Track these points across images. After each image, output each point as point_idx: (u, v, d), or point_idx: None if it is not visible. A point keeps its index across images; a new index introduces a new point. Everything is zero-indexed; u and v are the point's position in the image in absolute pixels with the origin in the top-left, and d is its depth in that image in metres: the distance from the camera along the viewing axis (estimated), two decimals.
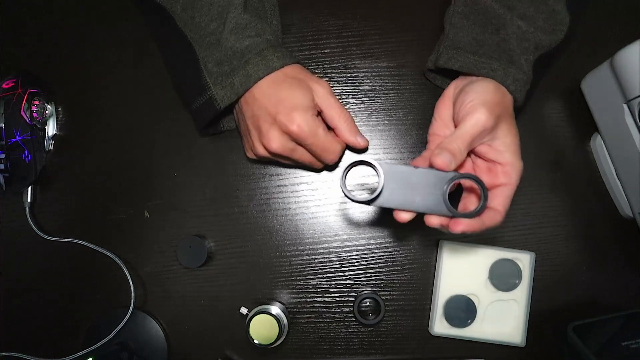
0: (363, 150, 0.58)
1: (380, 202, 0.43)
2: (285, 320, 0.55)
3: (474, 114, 0.43)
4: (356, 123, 0.58)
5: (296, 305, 0.58)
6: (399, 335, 0.58)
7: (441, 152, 0.41)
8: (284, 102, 0.47)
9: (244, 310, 0.56)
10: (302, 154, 0.50)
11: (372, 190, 0.42)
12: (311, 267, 0.58)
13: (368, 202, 0.43)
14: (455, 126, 0.47)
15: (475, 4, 0.49)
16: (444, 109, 0.50)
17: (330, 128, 0.52)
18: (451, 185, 0.42)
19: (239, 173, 0.58)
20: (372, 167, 0.42)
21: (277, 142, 0.47)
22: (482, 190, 0.42)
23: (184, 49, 0.50)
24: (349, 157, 0.58)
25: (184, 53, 0.50)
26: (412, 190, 0.42)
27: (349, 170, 0.42)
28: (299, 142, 0.48)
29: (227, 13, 0.48)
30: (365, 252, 0.58)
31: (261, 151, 0.49)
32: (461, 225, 0.42)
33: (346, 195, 0.42)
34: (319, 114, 0.51)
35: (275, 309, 0.55)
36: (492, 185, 0.46)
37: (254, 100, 0.48)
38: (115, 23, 0.59)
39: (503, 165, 0.45)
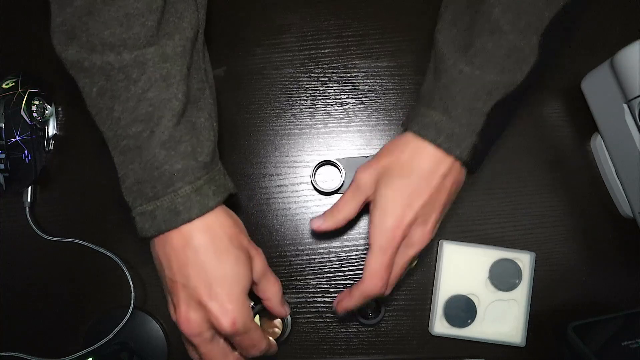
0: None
1: (345, 188, 0.51)
2: (289, 318, 0.55)
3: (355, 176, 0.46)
4: (356, 123, 0.58)
5: (296, 305, 0.58)
6: (399, 335, 0.58)
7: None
8: (221, 287, 0.38)
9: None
10: (211, 349, 0.40)
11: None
12: (311, 267, 0.58)
13: (337, 191, 0.54)
14: None
15: (435, 52, 0.45)
16: None
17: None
18: None
19: (238, 173, 0.58)
20: (334, 165, 0.53)
21: (194, 328, 0.39)
22: None
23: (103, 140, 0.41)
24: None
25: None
26: None
27: (317, 168, 0.55)
28: (224, 335, 0.41)
29: (160, 118, 0.38)
30: (365, 252, 0.58)
31: (174, 320, 0.41)
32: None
33: (316, 189, 0.54)
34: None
35: None
36: None
37: (178, 259, 0.39)
38: None
39: (370, 223, 0.45)
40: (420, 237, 0.44)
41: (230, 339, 0.41)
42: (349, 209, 0.46)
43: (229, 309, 0.38)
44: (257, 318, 0.54)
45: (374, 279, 0.43)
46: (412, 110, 0.47)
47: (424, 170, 0.42)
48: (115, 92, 0.38)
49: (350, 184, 0.46)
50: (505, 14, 0.41)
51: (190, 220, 0.38)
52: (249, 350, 0.42)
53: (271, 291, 0.45)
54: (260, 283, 0.44)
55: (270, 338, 0.49)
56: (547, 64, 0.43)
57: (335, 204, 0.47)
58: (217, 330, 0.40)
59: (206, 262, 0.38)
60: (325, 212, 0.47)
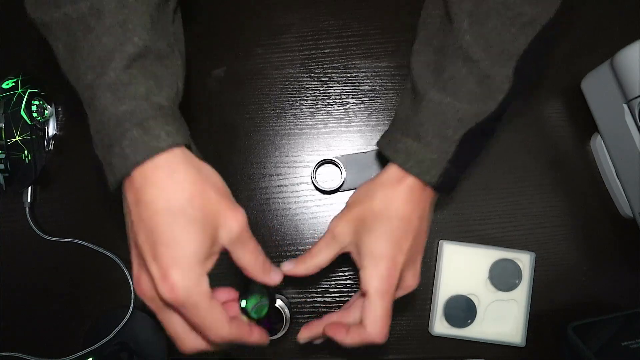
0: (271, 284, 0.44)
1: (346, 186, 0.55)
2: (288, 313, 0.55)
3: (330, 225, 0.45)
4: (356, 123, 0.58)
5: (296, 306, 0.58)
6: (399, 335, 0.58)
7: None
8: (165, 250, 0.34)
9: None
10: (169, 320, 0.37)
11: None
12: None
13: (338, 189, 0.54)
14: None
15: (410, 74, 0.45)
16: None
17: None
18: None
19: (239, 173, 0.58)
20: (334, 163, 0.55)
21: (146, 292, 0.36)
22: None
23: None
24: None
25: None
26: (368, 169, 0.55)
27: (318, 167, 0.56)
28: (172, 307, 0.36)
29: (110, 61, 0.35)
30: None
31: None
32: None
33: (317, 188, 0.55)
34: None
35: (278, 301, 0.55)
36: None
37: (131, 214, 0.36)
38: None
39: (361, 269, 0.42)
40: (412, 280, 0.43)
41: (179, 313, 0.36)
42: (323, 258, 0.45)
43: (169, 274, 0.33)
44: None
45: (380, 326, 0.40)
46: (387, 132, 0.46)
47: (401, 214, 0.42)
48: (76, 44, 0.36)
49: (325, 234, 0.45)
50: (477, 42, 0.40)
51: (137, 163, 0.34)
52: (203, 331, 0.36)
53: (245, 260, 0.39)
54: (233, 251, 0.38)
55: (259, 330, 0.42)
56: (522, 91, 0.42)
57: (308, 250, 0.45)
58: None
59: (155, 221, 0.34)
60: (298, 257, 0.45)
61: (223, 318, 0.36)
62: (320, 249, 0.45)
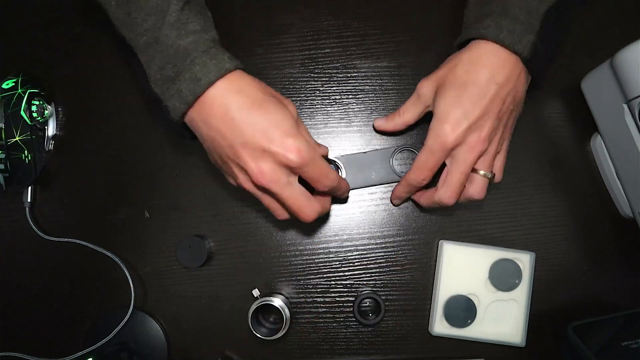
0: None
1: None
2: (287, 313, 0.55)
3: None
4: (356, 123, 0.58)
5: (296, 305, 0.58)
6: (399, 335, 0.58)
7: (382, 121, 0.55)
8: (274, 129, 0.41)
9: (255, 293, 0.57)
10: (292, 193, 0.44)
11: None
12: (311, 267, 0.58)
13: None
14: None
15: None
16: None
17: None
18: (396, 155, 0.57)
19: None
20: (334, 163, 0.56)
21: (270, 176, 0.42)
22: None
23: (128, 54, 0.44)
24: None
25: (131, 58, 0.45)
26: (368, 169, 0.56)
27: None
28: (297, 171, 0.43)
29: (168, 5, 0.42)
30: (365, 252, 0.58)
31: (248, 186, 0.44)
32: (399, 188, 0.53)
33: None
34: None
35: (278, 301, 0.55)
36: None
37: (227, 124, 0.41)
38: None
39: (429, 127, 0.47)
40: (475, 142, 0.45)
41: (302, 174, 0.43)
42: (409, 116, 0.52)
43: (290, 143, 0.41)
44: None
45: (417, 172, 0.49)
46: (461, 33, 0.48)
47: (479, 81, 0.45)
48: None
49: (413, 93, 0.51)
50: None
51: (211, 83, 0.41)
52: (322, 181, 0.44)
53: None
54: None
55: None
56: None
57: (397, 110, 0.53)
58: (290, 170, 0.43)
59: (251, 115, 0.41)
60: (388, 115, 0.55)
61: (328, 165, 0.45)
62: (407, 108, 0.52)
